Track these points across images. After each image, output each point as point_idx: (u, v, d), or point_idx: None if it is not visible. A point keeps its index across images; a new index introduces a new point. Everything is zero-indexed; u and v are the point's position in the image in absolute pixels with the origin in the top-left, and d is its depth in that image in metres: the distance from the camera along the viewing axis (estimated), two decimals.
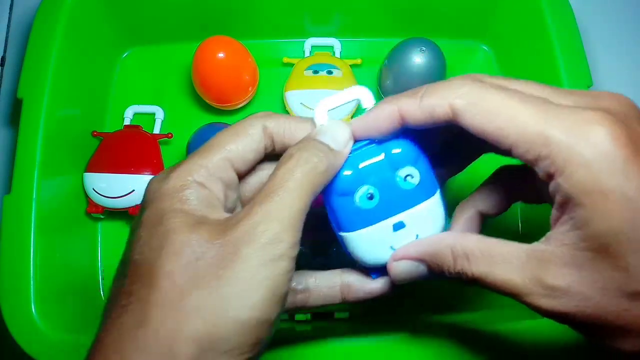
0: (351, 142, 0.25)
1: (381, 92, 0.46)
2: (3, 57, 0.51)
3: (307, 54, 0.49)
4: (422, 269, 0.26)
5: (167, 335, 0.20)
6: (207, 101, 0.46)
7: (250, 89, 0.46)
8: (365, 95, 0.27)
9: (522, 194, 0.29)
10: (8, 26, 0.52)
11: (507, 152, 0.23)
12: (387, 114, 0.25)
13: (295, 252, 0.22)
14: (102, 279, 0.43)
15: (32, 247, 0.36)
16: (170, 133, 0.45)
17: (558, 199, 0.21)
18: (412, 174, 0.26)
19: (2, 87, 0.50)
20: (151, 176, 0.42)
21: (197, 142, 0.41)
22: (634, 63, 0.51)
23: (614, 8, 0.53)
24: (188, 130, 0.42)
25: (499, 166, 0.30)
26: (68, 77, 0.42)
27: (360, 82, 0.46)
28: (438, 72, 0.43)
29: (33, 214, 0.37)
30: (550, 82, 0.41)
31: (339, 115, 0.44)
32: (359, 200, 0.26)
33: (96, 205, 0.42)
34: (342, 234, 0.27)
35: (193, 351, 0.20)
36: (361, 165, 0.25)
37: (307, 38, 0.49)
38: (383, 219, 0.26)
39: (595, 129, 0.20)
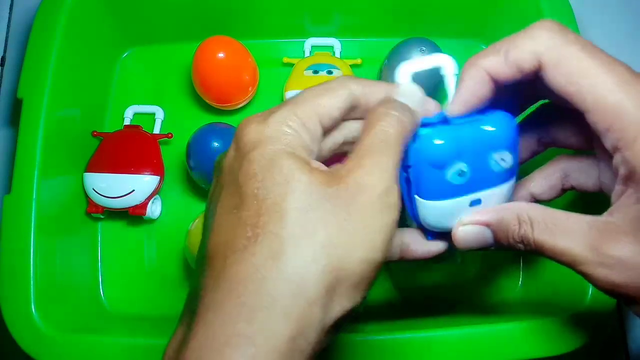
0: (424, 102, 0.27)
1: None
2: (3, 57, 0.51)
3: (307, 54, 0.49)
4: (487, 235, 0.27)
5: (300, 268, 0.21)
6: (207, 101, 0.46)
7: (250, 89, 0.46)
8: (447, 63, 0.28)
9: (577, 181, 0.30)
10: (8, 26, 0.52)
11: (571, 109, 0.24)
12: (478, 81, 0.25)
13: (400, 203, 0.23)
14: (102, 279, 0.43)
15: (32, 247, 0.36)
16: (170, 133, 0.45)
17: (622, 171, 0.22)
18: (506, 158, 0.26)
19: (2, 87, 0.50)
20: (151, 176, 0.42)
21: (197, 142, 0.41)
22: (634, 63, 0.51)
23: (614, 8, 0.53)
24: (188, 130, 0.42)
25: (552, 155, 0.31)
26: (68, 77, 0.41)
27: None
28: (438, 72, 0.43)
29: (33, 214, 0.37)
30: None
31: None
32: (450, 176, 0.26)
33: (96, 205, 0.42)
34: (419, 199, 0.27)
35: (322, 285, 0.21)
36: (462, 149, 0.26)
37: (307, 38, 0.49)
38: (464, 195, 0.27)
39: None
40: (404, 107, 0.26)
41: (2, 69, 0.51)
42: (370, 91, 0.26)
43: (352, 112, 0.26)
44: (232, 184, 0.23)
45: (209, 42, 0.43)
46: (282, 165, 0.22)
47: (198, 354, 0.20)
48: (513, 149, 0.26)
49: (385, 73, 0.45)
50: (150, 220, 0.44)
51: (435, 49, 0.42)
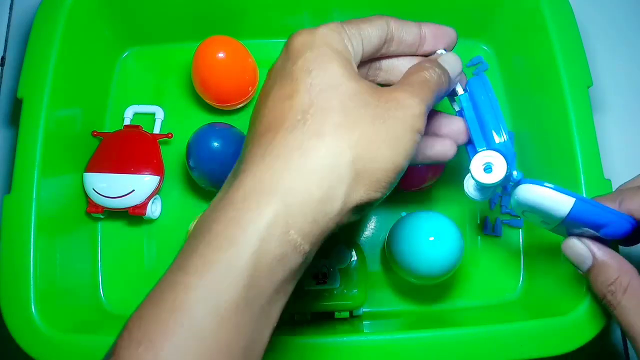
0: (460, 75, 0.32)
1: None
2: (3, 57, 0.51)
3: None
4: (587, 261, 0.30)
5: (337, 149, 0.24)
6: (207, 101, 0.46)
7: (250, 89, 0.46)
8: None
9: None
10: (8, 26, 0.52)
11: None
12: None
13: (423, 134, 0.27)
14: (102, 279, 0.43)
15: (32, 247, 0.36)
16: (170, 133, 0.45)
17: None
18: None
19: (2, 87, 0.50)
20: (151, 176, 0.43)
21: (197, 142, 0.41)
22: (634, 63, 0.51)
23: (614, 8, 0.53)
24: (188, 130, 0.42)
25: None
26: (68, 77, 0.42)
27: None
28: None
29: (33, 214, 0.37)
30: (550, 82, 0.41)
31: None
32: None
33: (96, 205, 0.42)
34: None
35: (351, 169, 0.24)
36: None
37: None
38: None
39: None
40: (444, 71, 0.30)
41: (2, 69, 0.51)
42: (404, 30, 0.31)
43: (386, 45, 0.30)
44: (286, 78, 0.26)
45: (209, 42, 0.43)
46: (334, 69, 0.26)
47: (243, 194, 0.23)
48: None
49: None
50: (150, 220, 0.44)
51: None
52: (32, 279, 0.36)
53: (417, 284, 0.41)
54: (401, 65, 0.32)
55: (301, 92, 0.25)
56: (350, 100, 0.25)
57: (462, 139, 0.34)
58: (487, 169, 0.32)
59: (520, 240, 0.44)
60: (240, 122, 0.45)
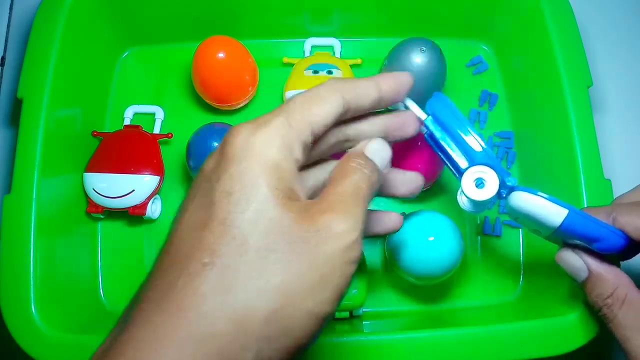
0: (389, 164, 0.28)
1: None
2: (3, 57, 0.51)
3: (307, 54, 0.49)
4: (582, 273, 0.30)
5: (244, 310, 0.20)
6: (207, 101, 0.46)
7: (250, 89, 0.46)
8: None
9: None
10: (8, 26, 0.52)
11: None
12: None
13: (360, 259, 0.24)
14: (102, 279, 0.43)
15: (32, 247, 0.36)
16: (170, 133, 0.45)
17: None
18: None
19: (2, 87, 0.50)
20: (151, 176, 0.42)
21: (197, 142, 0.41)
22: (634, 63, 0.51)
23: (614, 8, 0.53)
24: (188, 130, 0.42)
25: None
26: (68, 77, 0.42)
27: None
28: (438, 72, 0.43)
29: (33, 214, 0.37)
30: (550, 82, 0.41)
31: None
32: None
33: (96, 205, 0.42)
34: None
35: (262, 331, 0.21)
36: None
37: (307, 38, 0.49)
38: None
39: None
40: (374, 168, 0.26)
41: (2, 69, 0.51)
42: (360, 97, 0.27)
43: (343, 116, 0.26)
44: (207, 196, 0.23)
45: (209, 42, 0.43)
46: (261, 193, 0.22)
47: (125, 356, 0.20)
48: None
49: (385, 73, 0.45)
50: (150, 220, 0.44)
51: (435, 49, 0.42)
52: (32, 279, 0.36)
53: (417, 284, 0.41)
54: (367, 131, 0.29)
55: (215, 224, 0.22)
56: (270, 239, 0.21)
57: (419, 190, 0.32)
58: (479, 184, 0.31)
59: (520, 241, 0.44)
60: (240, 122, 0.45)
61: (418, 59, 0.42)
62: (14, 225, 0.37)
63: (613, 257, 0.30)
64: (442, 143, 0.32)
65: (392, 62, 0.44)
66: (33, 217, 0.37)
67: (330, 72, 0.45)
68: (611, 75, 0.50)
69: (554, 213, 0.28)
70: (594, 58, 0.49)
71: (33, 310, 0.35)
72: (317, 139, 0.25)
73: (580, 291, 0.35)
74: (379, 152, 0.27)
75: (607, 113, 0.49)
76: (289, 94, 0.45)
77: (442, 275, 0.38)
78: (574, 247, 0.31)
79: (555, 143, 0.41)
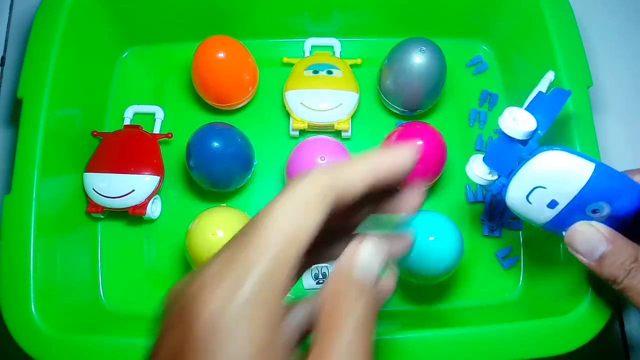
0: (382, 265, 0.22)
1: (381, 92, 0.46)
2: (3, 57, 0.51)
3: (307, 53, 0.49)
4: (600, 246, 0.29)
5: None
6: (207, 101, 0.46)
7: (250, 89, 0.46)
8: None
9: None
10: (8, 26, 0.52)
11: None
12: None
13: None
14: (102, 279, 0.43)
15: (32, 247, 0.36)
16: (170, 133, 0.45)
17: None
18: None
19: (2, 87, 0.50)
20: (151, 176, 0.42)
21: (197, 142, 0.41)
22: (634, 63, 0.51)
23: (614, 8, 0.53)
24: (188, 130, 0.42)
25: None
26: (68, 77, 0.42)
27: (360, 82, 0.46)
28: (438, 72, 0.43)
29: (33, 214, 0.37)
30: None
31: (336, 117, 0.44)
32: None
33: (96, 205, 0.42)
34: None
35: None
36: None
37: (307, 38, 0.49)
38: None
39: None
40: (371, 296, 0.21)
41: (2, 69, 0.51)
42: (353, 183, 0.21)
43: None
44: None
45: (209, 42, 0.43)
46: None
47: None
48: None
49: (385, 73, 0.45)
50: (150, 220, 0.44)
51: (435, 49, 0.42)
52: (32, 279, 0.36)
53: (417, 284, 0.41)
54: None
55: None
56: None
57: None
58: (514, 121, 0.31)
59: (521, 241, 0.44)
60: (240, 122, 0.45)
61: (418, 59, 0.42)
62: (14, 225, 0.37)
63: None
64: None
65: (392, 62, 0.44)
66: (33, 217, 0.37)
67: (330, 72, 0.46)
68: (611, 75, 0.50)
69: (583, 165, 0.28)
70: (594, 58, 0.49)
71: (33, 310, 0.35)
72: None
73: (580, 291, 0.35)
74: (373, 262, 0.21)
75: (607, 113, 0.49)
76: (289, 93, 0.45)
77: (442, 275, 0.38)
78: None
79: (556, 143, 0.41)
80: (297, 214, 0.19)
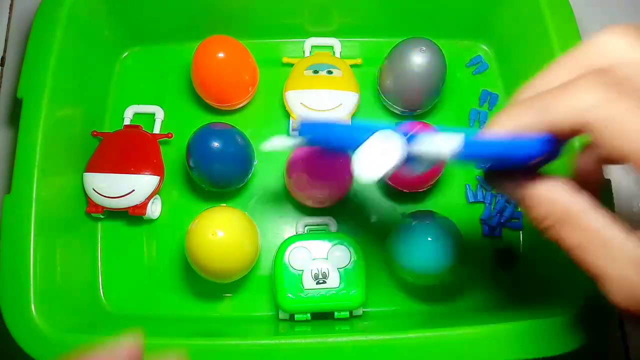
0: None
1: (381, 92, 0.46)
2: (3, 57, 0.51)
3: (307, 53, 0.49)
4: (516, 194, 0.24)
5: None
6: (207, 101, 0.46)
7: (250, 89, 0.46)
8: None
9: None
10: (8, 26, 0.52)
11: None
12: (505, 132, 0.22)
13: None
14: (102, 279, 0.43)
15: (32, 247, 0.36)
16: (170, 133, 0.45)
17: None
18: None
19: (2, 87, 0.50)
20: (151, 176, 0.42)
21: (197, 142, 0.41)
22: None
23: (614, 8, 0.53)
24: (188, 130, 0.42)
25: None
26: (68, 77, 0.41)
27: (360, 82, 0.46)
28: (438, 72, 0.43)
29: (33, 214, 0.37)
30: None
31: (338, 117, 0.44)
32: None
33: (96, 205, 0.42)
34: None
35: None
36: None
37: (307, 38, 0.49)
38: None
39: None
40: None
41: (2, 69, 0.51)
42: None
43: None
44: None
45: (209, 42, 0.43)
46: None
47: None
48: None
49: (385, 73, 0.45)
50: (150, 220, 0.44)
51: (435, 49, 0.42)
52: (32, 279, 0.36)
53: (417, 284, 0.41)
54: None
55: None
56: None
57: None
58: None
59: (520, 241, 0.44)
60: (240, 122, 0.45)
61: (418, 59, 0.42)
62: (14, 225, 0.37)
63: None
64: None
65: (392, 62, 0.44)
66: (33, 217, 0.37)
67: (330, 72, 0.45)
68: None
69: (449, 138, 0.24)
70: None
71: (33, 310, 0.35)
72: None
73: (580, 292, 0.35)
74: None
75: None
76: (289, 94, 0.45)
77: (442, 275, 0.38)
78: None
79: None
80: None
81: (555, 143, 0.22)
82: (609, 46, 0.20)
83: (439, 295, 0.43)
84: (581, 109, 0.19)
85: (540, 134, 0.20)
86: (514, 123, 0.21)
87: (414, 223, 0.39)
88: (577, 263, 0.22)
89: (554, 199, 0.22)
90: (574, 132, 0.19)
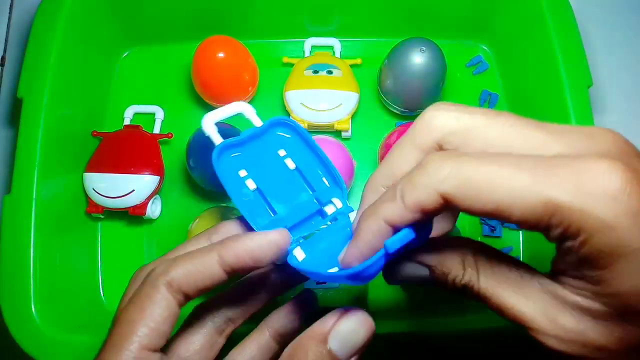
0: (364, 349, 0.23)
1: (381, 92, 0.46)
2: (3, 57, 0.51)
3: (307, 53, 0.49)
4: (424, 272, 0.23)
5: None
6: (207, 101, 0.46)
7: (250, 89, 0.46)
8: (246, 109, 0.30)
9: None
10: (8, 26, 0.52)
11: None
12: (376, 234, 0.22)
13: None
14: (102, 278, 0.43)
15: (32, 247, 0.36)
16: (170, 133, 0.45)
17: (571, 258, 0.19)
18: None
19: (2, 87, 0.50)
20: (151, 176, 0.42)
21: (197, 142, 0.41)
22: (634, 63, 0.51)
23: (614, 8, 0.53)
24: (188, 130, 0.42)
25: None
26: (68, 77, 0.42)
27: (360, 82, 0.46)
28: (438, 72, 0.43)
29: (33, 214, 0.37)
30: (550, 82, 0.41)
31: (336, 117, 0.44)
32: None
33: (96, 205, 0.42)
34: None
35: None
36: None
37: (307, 38, 0.49)
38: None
39: (605, 183, 0.18)
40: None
41: (2, 69, 0.51)
42: (197, 275, 0.24)
43: (194, 295, 0.24)
44: None
45: (209, 42, 0.43)
46: None
47: None
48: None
49: (385, 73, 0.45)
50: (150, 220, 0.44)
51: (435, 49, 0.42)
52: (32, 279, 0.36)
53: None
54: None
55: None
56: None
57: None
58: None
59: (520, 241, 0.44)
60: (240, 122, 0.45)
61: (418, 59, 0.42)
62: (14, 225, 0.37)
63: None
64: None
65: (392, 62, 0.44)
66: (33, 217, 0.37)
67: (330, 72, 0.46)
68: (611, 75, 0.50)
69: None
70: (594, 58, 0.49)
71: (33, 309, 0.35)
72: (168, 341, 0.24)
73: None
74: (352, 338, 0.22)
75: (607, 113, 0.49)
76: (288, 94, 0.45)
77: None
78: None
79: None
80: (143, 315, 0.23)
81: (425, 224, 0.22)
82: (437, 122, 0.22)
83: (438, 296, 0.43)
84: (438, 184, 0.20)
85: (411, 221, 0.21)
86: (383, 213, 0.21)
87: None
88: (500, 311, 0.21)
89: (465, 250, 0.23)
90: (439, 208, 0.20)
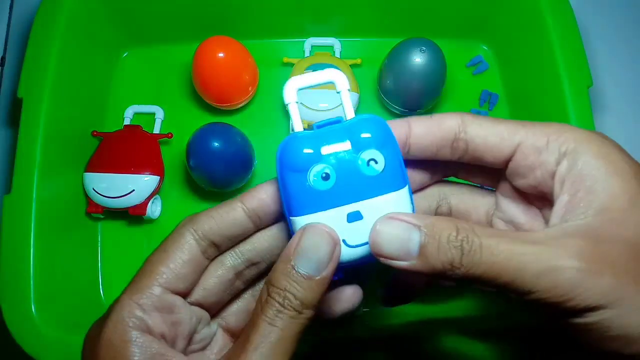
0: (333, 263, 0.22)
1: (381, 92, 0.46)
2: (3, 57, 0.51)
3: (307, 53, 0.49)
4: (413, 240, 0.21)
5: None
6: (207, 101, 0.46)
7: (250, 89, 0.46)
8: (339, 78, 0.24)
9: (456, 207, 0.29)
10: (8, 26, 0.52)
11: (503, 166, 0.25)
12: (401, 129, 0.25)
13: None
14: (102, 279, 0.43)
15: (32, 247, 0.36)
16: (170, 133, 0.45)
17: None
18: (376, 158, 0.23)
19: (2, 87, 0.50)
20: (151, 176, 0.42)
21: (197, 142, 0.41)
22: (634, 63, 0.51)
23: (614, 8, 0.53)
24: (188, 130, 0.42)
25: None
26: (68, 77, 0.42)
27: (360, 82, 0.46)
28: (438, 72, 0.43)
29: (33, 214, 0.37)
30: (550, 82, 0.41)
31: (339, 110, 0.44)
32: (312, 179, 0.23)
33: (96, 205, 0.42)
34: (293, 219, 0.23)
35: None
36: (324, 151, 0.23)
37: (307, 38, 0.49)
38: (336, 206, 0.23)
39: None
40: (299, 285, 0.21)
41: (2, 69, 0.51)
42: (223, 223, 0.25)
43: (221, 245, 0.25)
44: None
45: (209, 42, 0.43)
46: None
47: None
48: (383, 147, 0.23)
49: (385, 73, 0.45)
50: (150, 220, 0.44)
51: (435, 49, 0.42)
52: (32, 279, 0.36)
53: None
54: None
55: None
56: None
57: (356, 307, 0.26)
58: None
59: None
60: (240, 122, 0.45)
61: (418, 59, 0.42)
62: (14, 225, 0.37)
63: None
64: None
65: (392, 62, 0.44)
66: (33, 217, 0.37)
67: None
68: (611, 75, 0.50)
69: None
70: (594, 58, 0.49)
71: (33, 310, 0.35)
72: (192, 285, 0.25)
73: None
74: (310, 248, 0.22)
75: (607, 113, 0.49)
76: None
77: None
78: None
79: None
80: (165, 258, 0.24)
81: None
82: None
83: (438, 296, 0.43)
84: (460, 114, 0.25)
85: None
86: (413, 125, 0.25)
87: None
88: (510, 271, 0.21)
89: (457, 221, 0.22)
90: (455, 128, 0.25)
